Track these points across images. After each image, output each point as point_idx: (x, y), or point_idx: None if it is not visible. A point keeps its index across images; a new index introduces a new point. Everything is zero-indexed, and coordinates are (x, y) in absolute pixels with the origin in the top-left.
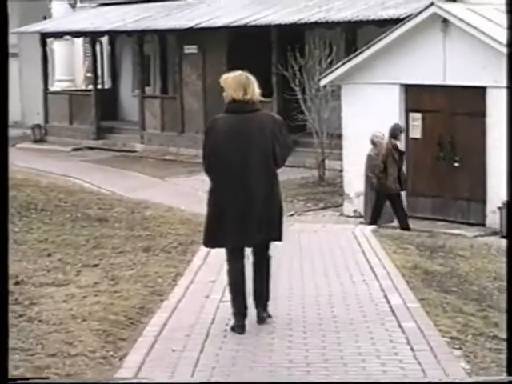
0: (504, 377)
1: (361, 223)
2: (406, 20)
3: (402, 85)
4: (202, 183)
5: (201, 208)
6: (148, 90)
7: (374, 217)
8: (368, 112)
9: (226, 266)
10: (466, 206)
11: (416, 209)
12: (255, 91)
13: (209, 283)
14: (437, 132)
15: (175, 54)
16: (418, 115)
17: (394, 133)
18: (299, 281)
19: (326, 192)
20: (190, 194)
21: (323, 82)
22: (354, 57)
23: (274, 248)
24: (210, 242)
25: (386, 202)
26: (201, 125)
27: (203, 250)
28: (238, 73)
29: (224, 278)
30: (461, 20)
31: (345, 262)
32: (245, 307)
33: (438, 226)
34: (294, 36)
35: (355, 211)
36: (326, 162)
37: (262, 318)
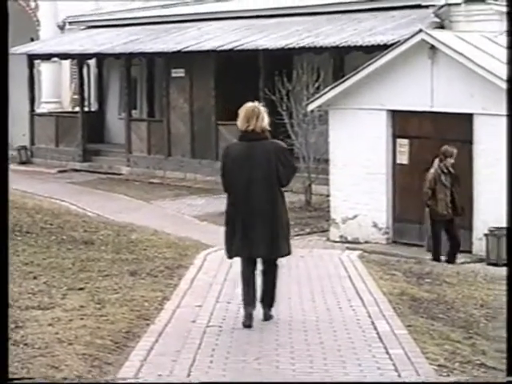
0: (504, 377)
1: (348, 248)
2: (394, 46)
3: (389, 111)
4: (188, 207)
5: (187, 232)
6: (135, 113)
7: (436, 250)
8: (355, 137)
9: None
10: None
11: (402, 235)
12: (259, 122)
13: (195, 308)
14: (424, 158)
15: (163, 77)
16: (405, 141)
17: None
18: (286, 306)
19: (312, 217)
20: (175, 217)
21: (311, 107)
22: (342, 82)
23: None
24: (228, 252)
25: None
26: (187, 148)
27: (190, 274)
28: (249, 104)
29: (211, 303)
30: (449, 47)
31: (332, 288)
32: (253, 300)
33: (424, 252)
34: (281, 61)
35: (341, 236)
36: (313, 186)
37: (268, 316)
